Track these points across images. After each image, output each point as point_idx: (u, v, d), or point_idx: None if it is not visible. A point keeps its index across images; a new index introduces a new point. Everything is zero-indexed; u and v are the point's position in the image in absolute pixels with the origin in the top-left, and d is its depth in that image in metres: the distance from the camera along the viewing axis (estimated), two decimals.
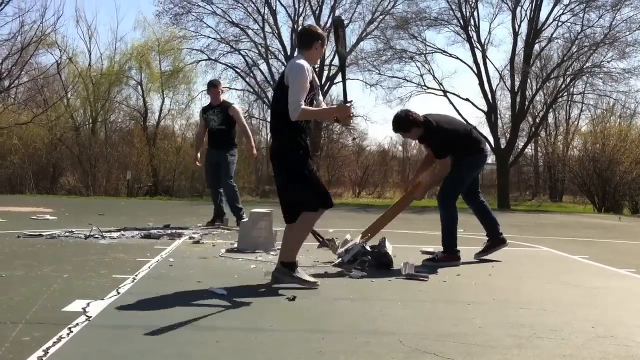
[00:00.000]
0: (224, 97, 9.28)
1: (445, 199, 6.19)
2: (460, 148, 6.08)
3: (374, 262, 5.53)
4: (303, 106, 4.40)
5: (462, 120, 6.20)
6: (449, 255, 6.04)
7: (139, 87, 29.92)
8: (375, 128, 66.38)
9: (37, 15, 24.24)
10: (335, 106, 5.02)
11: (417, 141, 6.39)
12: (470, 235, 7.67)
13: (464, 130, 6.31)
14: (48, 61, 36.20)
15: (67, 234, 7.33)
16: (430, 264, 5.88)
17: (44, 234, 7.25)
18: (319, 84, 4.86)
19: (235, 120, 8.92)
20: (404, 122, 6.04)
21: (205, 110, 9.13)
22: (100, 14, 64.34)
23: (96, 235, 7.14)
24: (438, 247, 6.78)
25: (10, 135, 25.17)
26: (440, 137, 6.02)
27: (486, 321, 3.66)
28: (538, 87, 28.64)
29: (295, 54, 4.87)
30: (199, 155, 9.36)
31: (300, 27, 4.94)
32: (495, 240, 6.46)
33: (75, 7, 35.78)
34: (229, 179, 8.89)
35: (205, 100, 32.96)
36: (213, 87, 9.10)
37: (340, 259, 5.65)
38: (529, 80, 27.54)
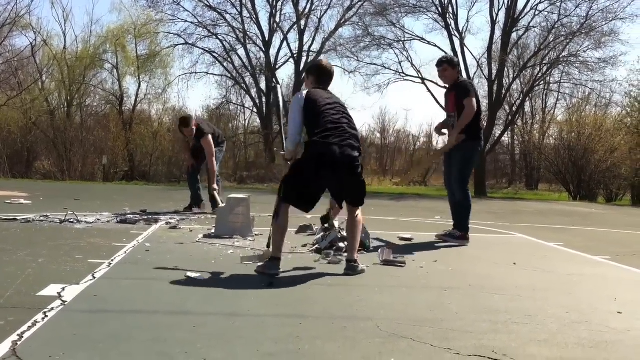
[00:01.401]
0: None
1: (462, 183, 6.55)
2: (475, 123, 6.46)
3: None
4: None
5: None
6: (464, 234, 6.46)
7: (115, 70, 29.57)
8: (353, 115, 66.05)
9: None
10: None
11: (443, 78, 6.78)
12: (445, 222, 7.71)
13: (479, 111, 6.62)
14: (22, 43, 35.72)
15: (42, 218, 7.25)
16: (448, 240, 6.43)
17: (18, 218, 7.16)
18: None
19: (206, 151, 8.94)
20: (455, 60, 6.88)
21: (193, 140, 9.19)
22: None
23: (71, 220, 7.07)
24: (415, 234, 6.85)
25: None
26: (471, 86, 6.65)
27: (462, 307, 3.69)
28: (515, 75, 28.83)
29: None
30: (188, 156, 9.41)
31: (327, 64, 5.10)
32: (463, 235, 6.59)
33: None
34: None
35: (182, 84, 33.02)
36: (185, 126, 8.98)
37: (317, 245, 5.65)
38: (506, 69, 27.69)
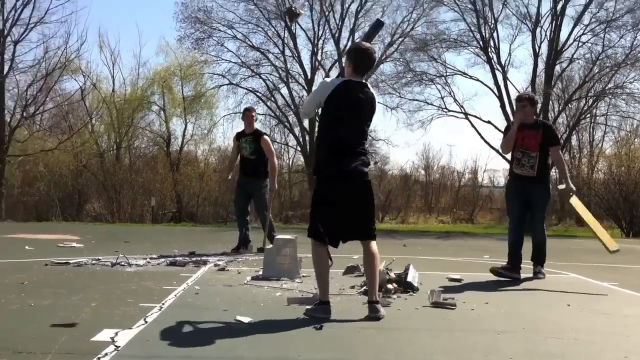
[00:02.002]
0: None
1: (543, 223, 6.88)
2: (548, 165, 6.93)
3: (400, 290, 5.50)
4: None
5: None
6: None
7: (162, 112, 30.25)
8: (396, 152, 66.30)
9: (61, 42, 24.57)
10: None
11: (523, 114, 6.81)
12: (494, 261, 7.58)
13: None
14: (72, 87, 36.82)
15: (93, 261, 7.38)
16: (541, 277, 6.71)
17: (71, 261, 7.30)
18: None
19: (265, 150, 8.99)
20: (535, 99, 7.08)
21: (238, 137, 9.21)
22: (123, 40, 65.46)
23: (122, 263, 7.18)
24: (464, 274, 6.75)
25: (37, 162, 25.53)
26: (555, 130, 7.09)
27: (517, 351, 3.61)
28: (560, 108, 28.49)
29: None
30: (230, 175, 9.48)
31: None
32: (517, 267, 6.71)
33: (99, 33, 36.42)
34: (266, 210, 8.95)
35: (227, 125, 33.51)
36: (247, 111, 9.25)
37: (365, 287, 5.61)
38: (550, 102, 27.42)
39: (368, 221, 4.70)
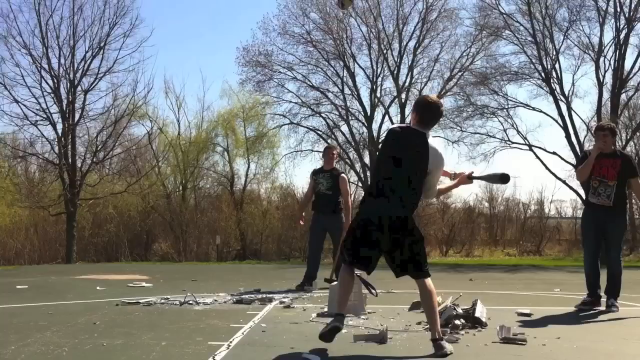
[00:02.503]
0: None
1: (619, 254, 6.83)
2: (625, 194, 6.90)
3: (468, 325, 5.42)
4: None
5: None
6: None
7: (226, 153, 30.89)
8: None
9: (129, 89, 25.42)
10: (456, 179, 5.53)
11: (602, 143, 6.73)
12: (565, 294, 7.39)
13: None
14: (140, 132, 37.85)
15: (162, 300, 7.53)
16: (614, 310, 6.52)
17: (141, 301, 7.47)
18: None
19: (341, 189, 9.04)
20: (615, 129, 7.06)
21: (315, 173, 9.32)
22: (188, 85, 67.28)
23: (190, 302, 7.31)
24: (534, 308, 6.59)
25: (106, 204, 26.32)
26: (634, 161, 6.90)
27: None
28: (628, 137, 27.68)
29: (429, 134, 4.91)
30: (303, 214, 9.56)
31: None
32: (597, 298, 6.74)
33: (164, 79, 37.83)
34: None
35: (289, 163, 33.88)
36: (329, 149, 9.44)
37: None
38: (618, 132, 26.70)
39: (418, 257, 4.72)
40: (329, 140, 30.69)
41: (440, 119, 4.96)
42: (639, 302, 7.76)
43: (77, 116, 24.05)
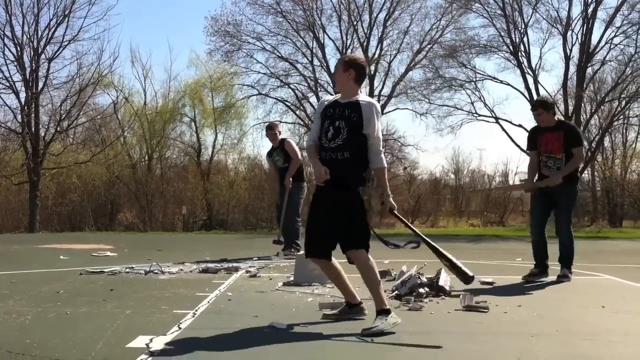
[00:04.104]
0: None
1: (568, 224, 6.70)
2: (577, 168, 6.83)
3: (432, 294, 5.49)
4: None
5: None
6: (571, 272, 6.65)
7: (193, 123, 30.64)
8: (426, 157, 65.99)
9: (94, 58, 24.93)
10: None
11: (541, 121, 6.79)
12: (527, 263, 7.50)
13: None
14: (105, 101, 37.30)
15: (127, 270, 7.48)
16: (565, 280, 6.54)
17: (105, 270, 7.41)
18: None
19: (288, 151, 9.21)
20: (549, 103, 6.85)
21: (269, 154, 9.52)
22: (155, 55, 66.22)
23: (156, 271, 7.27)
24: (497, 277, 6.70)
25: (70, 174, 25.97)
26: (577, 131, 6.83)
27: (551, 354, 3.58)
28: (593, 111, 28.12)
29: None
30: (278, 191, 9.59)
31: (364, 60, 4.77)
32: (544, 269, 6.75)
33: (130, 48, 37.07)
34: (295, 215, 9.19)
35: (257, 134, 33.79)
36: (269, 129, 9.52)
37: (396, 291, 5.61)
38: (583, 105, 27.08)
39: (352, 227, 4.49)
40: (297, 112, 30.62)
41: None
42: (600, 271, 7.94)
43: (40, 85, 23.62)
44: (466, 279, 4.51)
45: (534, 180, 6.94)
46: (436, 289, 5.57)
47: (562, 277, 6.62)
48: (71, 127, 25.79)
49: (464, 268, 4.54)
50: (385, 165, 4.52)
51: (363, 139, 4.39)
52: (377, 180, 4.59)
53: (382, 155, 4.51)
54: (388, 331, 4.06)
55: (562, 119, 7.01)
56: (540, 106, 6.73)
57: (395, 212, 4.56)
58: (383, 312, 4.24)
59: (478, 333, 4.17)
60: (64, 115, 24.26)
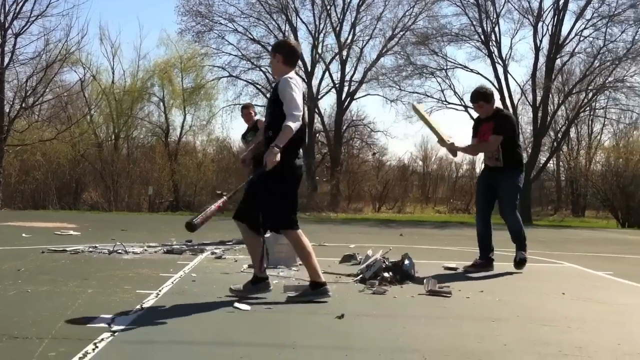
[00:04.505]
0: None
1: (512, 213, 6.50)
2: (519, 153, 6.62)
3: (397, 278, 5.52)
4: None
5: None
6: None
7: (161, 103, 30.33)
8: (395, 143, 66.34)
9: (62, 34, 24.43)
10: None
11: (481, 113, 6.71)
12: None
13: (518, 139, 6.84)
14: (72, 79, 36.82)
15: (90, 249, 7.40)
16: (521, 262, 6.37)
17: (68, 249, 7.32)
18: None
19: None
20: (489, 93, 6.64)
21: (244, 136, 9.24)
22: (124, 32, 65.16)
23: (119, 251, 7.20)
24: (460, 263, 6.77)
25: (34, 151, 25.54)
26: (509, 121, 6.63)
27: (510, 338, 3.63)
28: (560, 101, 28.48)
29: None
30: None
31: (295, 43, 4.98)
32: (489, 261, 6.59)
33: (99, 25, 36.46)
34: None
35: (226, 116, 33.59)
36: (244, 108, 9.26)
37: (361, 275, 5.63)
38: (550, 95, 27.41)
39: (262, 206, 4.73)
40: (267, 95, 30.42)
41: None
42: (561, 259, 8.08)
43: (6, 60, 23.03)
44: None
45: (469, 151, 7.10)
46: (401, 274, 5.60)
47: (519, 263, 6.49)
48: (37, 104, 25.30)
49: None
50: (291, 126, 4.41)
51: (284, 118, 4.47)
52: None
53: (295, 121, 4.44)
54: (317, 300, 4.50)
55: (501, 107, 6.91)
56: (481, 98, 6.61)
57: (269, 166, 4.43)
58: (314, 284, 4.62)
59: (440, 317, 4.21)
60: (29, 92, 23.76)
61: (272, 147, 4.38)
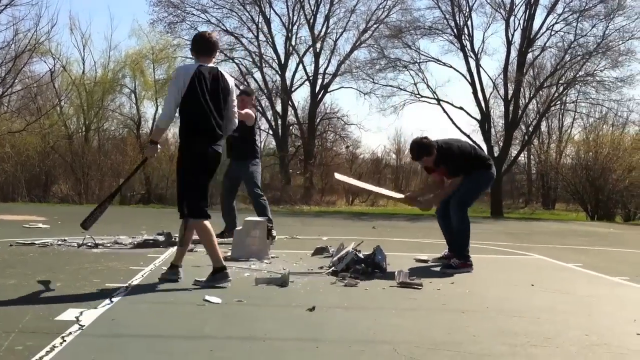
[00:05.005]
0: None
1: (463, 206, 6.31)
2: (474, 166, 6.31)
3: (368, 270, 5.54)
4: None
5: (467, 140, 6.61)
6: (464, 263, 6.13)
7: (133, 95, 29.96)
8: (368, 136, 66.52)
9: (32, 24, 24.06)
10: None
11: (429, 165, 6.41)
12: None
13: (471, 149, 6.51)
14: (42, 69, 36.25)
15: (60, 242, 7.30)
16: (449, 271, 5.96)
17: (36, 242, 7.22)
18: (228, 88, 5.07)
19: (249, 128, 8.16)
20: (427, 146, 6.18)
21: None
22: (95, 23, 64.33)
23: (89, 244, 7.12)
24: (432, 255, 6.81)
25: (3, 143, 25.08)
26: (455, 160, 6.21)
27: (480, 329, 3.67)
28: (531, 95, 28.77)
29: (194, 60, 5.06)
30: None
31: (203, 34, 5.23)
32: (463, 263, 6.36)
33: (70, 15, 35.86)
34: (255, 187, 8.20)
35: None
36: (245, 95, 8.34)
37: (333, 267, 5.64)
38: (522, 89, 27.64)
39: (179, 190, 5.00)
40: (241, 87, 30.27)
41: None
42: (531, 251, 8.17)
43: None
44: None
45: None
46: (373, 266, 5.62)
47: (446, 267, 6.13)
48: (5, 95, 24.90)
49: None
50: (160, 121, 5.09)
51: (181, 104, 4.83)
52: None
53: (161, 118, 5.03)
54: (219, 285, 4.72)
55: (435, 143, 6.33)
56: (424, 154, 6.21)
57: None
58: (217, 270, 4.85)
59: (411, 309, 4.24)
60: None
61: (148, 142, 5.01)
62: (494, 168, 6.58)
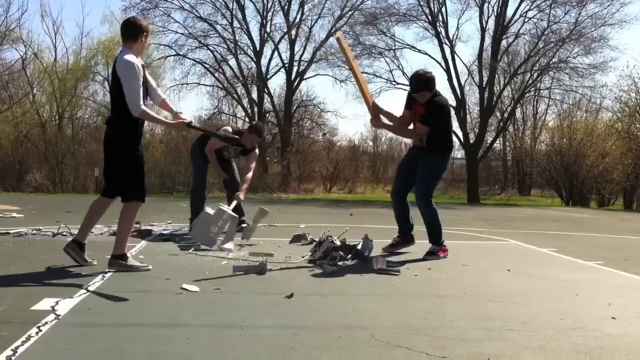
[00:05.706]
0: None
1: (428, 199, 6.23)
2: (447, 139, 6.29)
3: (346, 257, 5.55)
4: (143, 107, 4.99)
5: None
6: (442, 248, 6.17)
7: (106, 82, 29.61)
8: (345, 123, 66.40)
9: (1, 11, 23.66)
10: (174, 122, 5.52)
11: (419, 103, 6.10)
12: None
13: (450, 126, 6.46)
14: (13, 57, 35.59)
15: (34, 232, 7.22)
16: (432, 258, 5.96)
17: (10, 232, 7.13)
18: (148, 78, 5.38)
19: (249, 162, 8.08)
20: (431, 81, 6.00)
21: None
22: (66, 9, 63.35)
23: (64, 233, 7.05)
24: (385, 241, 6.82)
25: None
26: (438, 115, 6.04)
27: (457, 314, 3.70)
28: (506, 82, 28.99)
29: (121, 47, 5.23)
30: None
31: (124, 19, 5.30)
32: (408, 237, 6.48)
33: (40, 2, 35.16)
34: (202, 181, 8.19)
35: (174, 95, 32.95)
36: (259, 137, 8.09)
37: (311, 255, 5.65)
38: (496, 76, 27.85)
39: (114, 177, 5.48)
40: (216, 74, 30.08)
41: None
42: (507, 237, 8.26)
43: None
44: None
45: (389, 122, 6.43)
46: (353, 254, 5.62)
47: (427, 255, 6.08)
48: None
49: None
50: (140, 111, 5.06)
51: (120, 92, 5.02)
52: None
53: (136, 106, 5.03)
54: (124, 270, 4.86)
55: (438, 93, 6.12)
56: (423, 88, 5.99)
57: None
58: (121, 256, 5.04)
59: (388, 295, 4.26)
60: None
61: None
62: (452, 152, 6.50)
